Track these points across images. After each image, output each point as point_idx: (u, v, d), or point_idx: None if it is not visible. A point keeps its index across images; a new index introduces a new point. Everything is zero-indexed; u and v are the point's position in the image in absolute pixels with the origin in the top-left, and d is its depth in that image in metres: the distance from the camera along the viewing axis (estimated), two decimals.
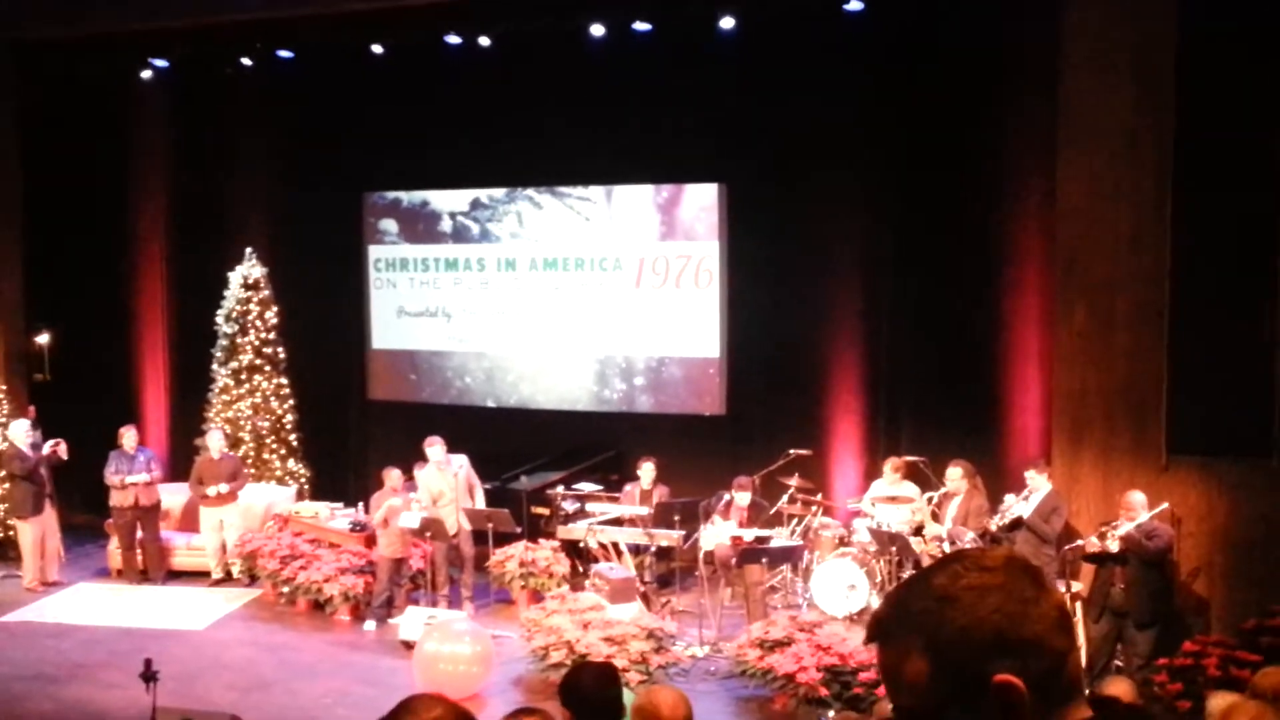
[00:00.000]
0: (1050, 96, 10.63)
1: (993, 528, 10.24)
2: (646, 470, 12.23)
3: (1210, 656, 8.41)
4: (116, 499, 12.84)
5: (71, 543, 13.57)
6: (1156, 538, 9.25)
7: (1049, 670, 1.58)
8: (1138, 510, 9.36)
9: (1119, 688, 6.18)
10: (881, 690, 8.72)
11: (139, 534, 12.95)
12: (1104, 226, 10.31)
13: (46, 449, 12.75)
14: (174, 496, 13.51)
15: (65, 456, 12.84)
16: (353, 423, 15.38)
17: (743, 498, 11.34)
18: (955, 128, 12.16)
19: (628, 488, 12.43)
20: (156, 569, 12.99)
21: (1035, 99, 11.14)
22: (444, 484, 11.78)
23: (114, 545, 13.13)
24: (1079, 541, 9.73)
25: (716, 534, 11.33)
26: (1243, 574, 9.87)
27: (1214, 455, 9.96)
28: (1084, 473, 10.46)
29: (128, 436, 13.03)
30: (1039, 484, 10.19)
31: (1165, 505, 9.51)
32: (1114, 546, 9.33)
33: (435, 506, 11.71)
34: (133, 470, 12.85)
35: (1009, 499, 10.39)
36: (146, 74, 14.63)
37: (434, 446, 11.87)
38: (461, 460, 12.02)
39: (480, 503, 11.98)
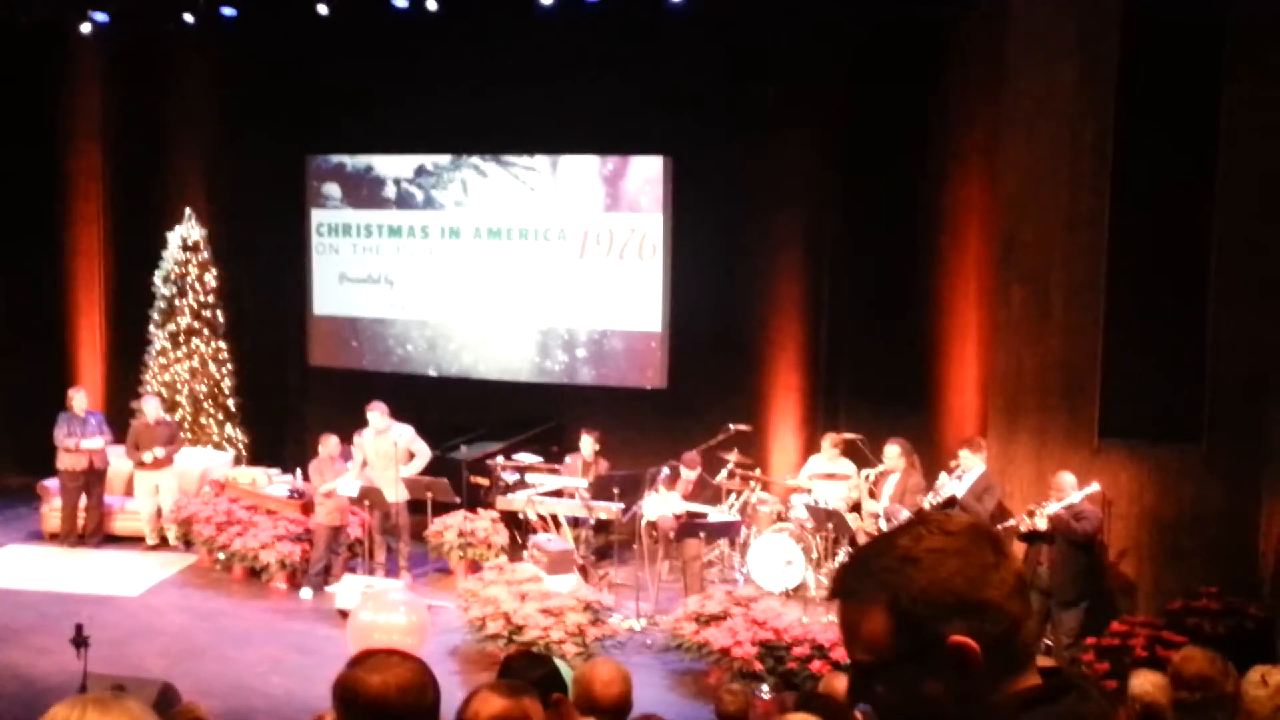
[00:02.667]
0: (995, 79, 10.69)
1: (926, 506, 10.32)
2: (587, 442, 12.23)
3: (1137, 637, 8.60)
4: (68, 462, 12.57)
5: (3, 505, 13.38)
6: (1085, 519, 9.36)
7: (1003, 634, 1.64)
8: (1067, 491, 9.47)
9: None
10: (815, 666, 8.88)
11: (83, 498, 12.77)
12: (1042, 209, 10.39)
13: None
14: (111, 460, 13.32)
15: None
16: (292, 389, 15.25)
17: (690, 474, 11.42)
18: (899, 108, 12.20)
19: (568, 459, 12.43)
20: (95, 533, 12.85)
21: (980, 81, 11.21)
22: (375, 451, 11.74)
23: (48, 507, 12.93)
24: (1010, 521, 9.86)
25: (659, 504, 11.39)
26: (1170, 556, 10.03)
27: (1145, 439, 10.10)
28: (1018, 453, 10.57)
29: (78, 399, 12.79)
30: (972, 463, 10.29)
31: (1096, 486, 9.63)
32: (1042, 524, 9.45)
33: (365, 471, 11.69)
34: (85, 434, 12.64)
35: (943, 477, 10.51)
36: (85, 28, 14.25)
37: (374, 411, 11.80)
38: (405, 430, 11.94)
39: (414, 470, 11.88)
